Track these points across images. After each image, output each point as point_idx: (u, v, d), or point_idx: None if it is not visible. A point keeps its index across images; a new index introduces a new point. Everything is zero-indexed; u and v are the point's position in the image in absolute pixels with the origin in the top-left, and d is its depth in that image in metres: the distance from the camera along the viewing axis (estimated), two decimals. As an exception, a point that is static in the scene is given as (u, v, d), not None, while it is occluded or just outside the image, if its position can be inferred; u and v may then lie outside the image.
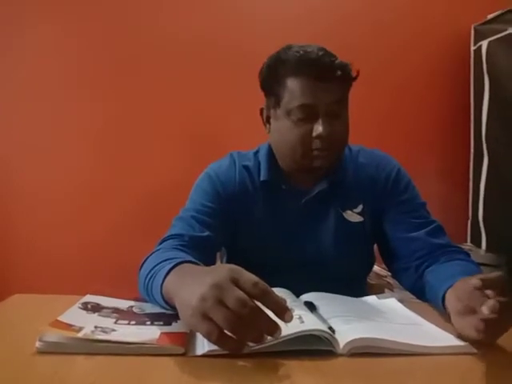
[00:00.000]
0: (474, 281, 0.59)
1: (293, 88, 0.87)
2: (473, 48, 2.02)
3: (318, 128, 0.86)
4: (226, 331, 0.51)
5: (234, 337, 0.51)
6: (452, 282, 0.71)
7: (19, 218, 2.01)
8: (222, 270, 0.54)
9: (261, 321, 0.50)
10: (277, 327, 0.51)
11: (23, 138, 2.00)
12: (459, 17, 2.07)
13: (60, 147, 2.01)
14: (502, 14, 1.88)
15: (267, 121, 0.97)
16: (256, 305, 0.50)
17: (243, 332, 0.51)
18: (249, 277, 0.52)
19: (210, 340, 0.51)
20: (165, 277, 0.65)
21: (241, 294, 0.50)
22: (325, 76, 0.85)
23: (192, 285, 0.55)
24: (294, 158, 0.91)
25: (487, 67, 1.91)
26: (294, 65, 0.87)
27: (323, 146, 0.87)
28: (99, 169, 2.03)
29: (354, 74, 0.89)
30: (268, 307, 0.51)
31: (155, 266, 0.72)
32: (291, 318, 0.52)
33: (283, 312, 0.51)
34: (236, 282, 0.51)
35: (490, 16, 1.95)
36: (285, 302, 0.52)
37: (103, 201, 2.02)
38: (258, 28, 2.04)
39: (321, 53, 0.86)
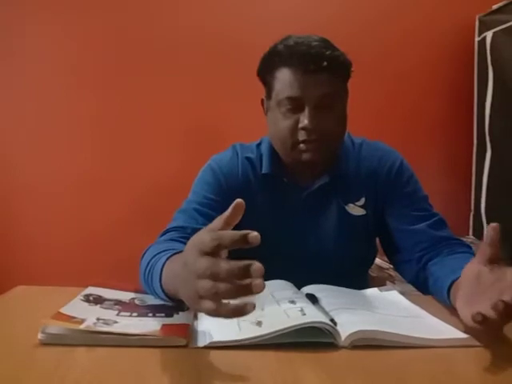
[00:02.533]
0: None
1: (282, 79, 0.86)
2: (477, 39, 2.00)
3: (304, 120, 0.84)
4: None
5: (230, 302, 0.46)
6: (458, 275, 0.70)
7: (20, 212, 2.01)
8: (187, 249, 0.51)
9: (237, 269, 0.45)
10: (256, 264, 0.45)
11: (24, 132, 1.99)
12: (463, 7, 2.04)
13: (60, 141, 2.01)
14: (507, 5, 1.86)
15: (266, 112, 0.96)
16: (227, 261, 0.46)
17: (232, 290, 0.45)
18: (207, 239, 0.47)
19: (212, 316, 0.47)
20: (161, 273, 0.65)
21: (207, 260, 0.46)
22: (311, 68, 0.83)
23: (179, 277, 0.54)
24: (285, 149, 0.91)
25: (491, 58, 1.89)
26: (284, 56, 0.85)
27: (310, 138, 0.85)
28: (100, 162, 2.02)
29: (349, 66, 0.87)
30: (229, 246, 0.47)
31: (152, 259, 0.72)
32: (256, 238, 0.46)
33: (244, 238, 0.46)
34: (202, 251, 0.47)
35: (494, 6, 1.93)
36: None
37: (104, 194, 2.02)
38: (257, 21, 2.01)
39: (314, 44, 0.83)
